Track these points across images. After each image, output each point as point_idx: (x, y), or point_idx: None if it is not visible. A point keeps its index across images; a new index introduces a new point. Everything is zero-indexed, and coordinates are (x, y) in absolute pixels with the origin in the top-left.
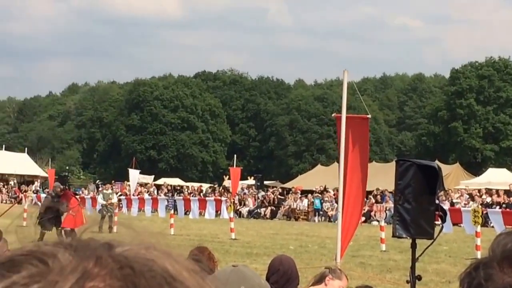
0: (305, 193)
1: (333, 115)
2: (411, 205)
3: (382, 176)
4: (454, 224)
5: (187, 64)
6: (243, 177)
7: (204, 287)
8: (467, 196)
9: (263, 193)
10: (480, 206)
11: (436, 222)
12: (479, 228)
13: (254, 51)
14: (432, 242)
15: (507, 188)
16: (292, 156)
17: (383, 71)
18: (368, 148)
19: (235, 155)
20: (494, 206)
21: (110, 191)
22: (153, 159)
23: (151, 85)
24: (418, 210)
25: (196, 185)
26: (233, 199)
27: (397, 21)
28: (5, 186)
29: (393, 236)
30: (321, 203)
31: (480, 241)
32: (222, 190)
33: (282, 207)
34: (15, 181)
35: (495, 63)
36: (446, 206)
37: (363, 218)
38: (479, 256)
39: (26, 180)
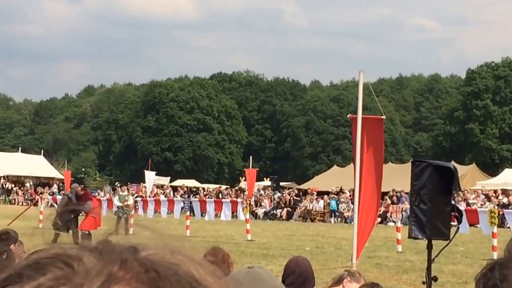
0: (321, 194)
1: (348, 116)
2: (427, 206)
3: (398, 177)
4: (470, 225)
5: (203, 66)
6: (259, 178)
7: None
8: (483, 197)
9: (279, 194)
10: (496, 207)
11: (452, 223)
12: (495, 229)
13: (270, 52)
14: (448, 243)
15: None
16: (308, 157)
17: (399, 72)
18: (383, 149)
19: (251, 157)
20: (511, 206)
21: (126, 193)
22: (169, 160)
23: (167, 86)
24: (434, 211)
25: (212, 186)
26: (249, 200)
27: (413, 21)
28: (21, 188)
29: (409, 237)
30: (337, 204)
31: (497, 242)
32: (238, 192)
33: (298, 208)
34: (31, 183)
35: (511, 63)
36: (462, 207)
37: (379, 219)
38: (495, 257)
39: (42, 182)
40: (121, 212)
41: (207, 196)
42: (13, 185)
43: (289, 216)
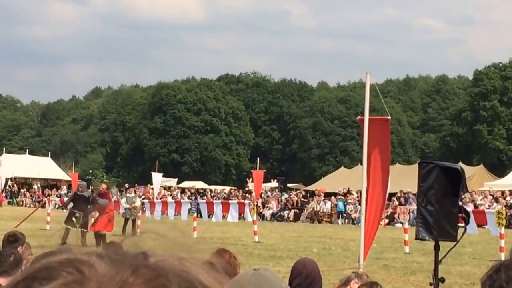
0: (328, 195)
1: (358, 118)
2: (434, 207)
3: (406, 178)
4: (478, 226)
5: (210, 67)
6: (266, 180)
7: None
8: (491, 198)
9: (286, 195)
10: (504, 208)
11: (460, 224)
12: (503, 230)
13: (277, 53)
14: (456, 244)
15: None
16: (315, 158)
17: (406, 73)
18: (389, 150)
19: (258, 158)
20: None
21: (133, 194)
22: (176, 162)
23: (174, 88)
24: (441, 212)
25: (219, 188)
26: (256, 202)
27: (420, 22)
28: (29, 190)
29: (416, 238)
30: (345, 206)
31: (504, 243)
32: (246, 193)
33: (306, 209)
34: (39, 185)
35: None
36: (470, 208)
37: (386, 220)
38: (503, 258)
39: (49, 184)
40: (128, 214)
41: (214, 198)
42: (20, 187)
43: (297, 218)
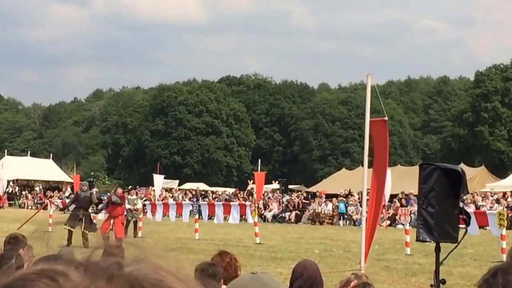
0: (329, 197)
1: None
2: (434, 209)
3: (407, 180)
4: (480, 227)
5: (211, 69)
6: (268, 182)
7: None
8: (493, 199)
9: (287, 197)
10: (505, 209)
11: (461, 226)
12: (504, 231)
13: (278, 55)
14: (456, 246)
15: None
16: (316, 160)
17: (407, 74)
18: (388, 151)
19: (259, 160)
20: None
21: (135, 196)
22: (178, 164)
23: (175, 90)
24: (442, 214)
25: (220, 189)
26: (258, 203)
27: (422, 23)
28: (31, 192)
29: (417, 240)
30: (346, 207)
31: (506, 244)
32: (247, 195)
33: (307, 211)
34: (41, 187)
35: None
36: (471, 209)
37: (388, 222)
38: (504, 259)
39: (51, 186)
40: (130, 215)
41: (215, 200)
42: (22, 189)
43: (298, 219)
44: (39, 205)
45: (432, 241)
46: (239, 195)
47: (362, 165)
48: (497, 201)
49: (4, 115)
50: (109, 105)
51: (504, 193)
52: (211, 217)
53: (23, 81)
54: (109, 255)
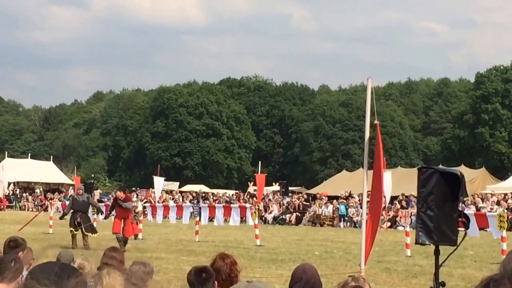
0: (330, 199)
1: (374, 122)
2: (434, 212)
3: (407, 182)
4: (480, 229)
5: (212, 71)
6: (268, 183)
7: None
8: (493, 201)
9: (288, 199)
10: (506, 211)
11: (460, 229)
12: (504, 233)
13: (278, 57)
14: (456, 249)
15: None
16: (317, 162)
17: (408, 76)
18: (381, 154)
19: (260, 162)
20: None
21: (135, 198)
22: (178, 166)
23: (175, 92)
24: (441, 217)
25: (221, 191)
26: (258, 205)
27: (422, 25)
28: (31, 194)
29: (416, 243)
30: (346, 209)
31: (506, 246)
32: (247, 197)
33: (307, 213)
34: (41, 189)
35: None
36: (471, 210)
37: (388, 224)
38: None
39: (52, 188)
40: None
41: (216, 202)
42: (23, 191)
43: (298, 221)
44: (39, 207)
45: (432, 244)
46: (240, 197)
47: (363, 167)
48: (498, 203)
49: (4, 117)
50: (109, 107)
51: (505, 195)
52: (211, 219)
53: (23, 83)
54: (109, 258)
